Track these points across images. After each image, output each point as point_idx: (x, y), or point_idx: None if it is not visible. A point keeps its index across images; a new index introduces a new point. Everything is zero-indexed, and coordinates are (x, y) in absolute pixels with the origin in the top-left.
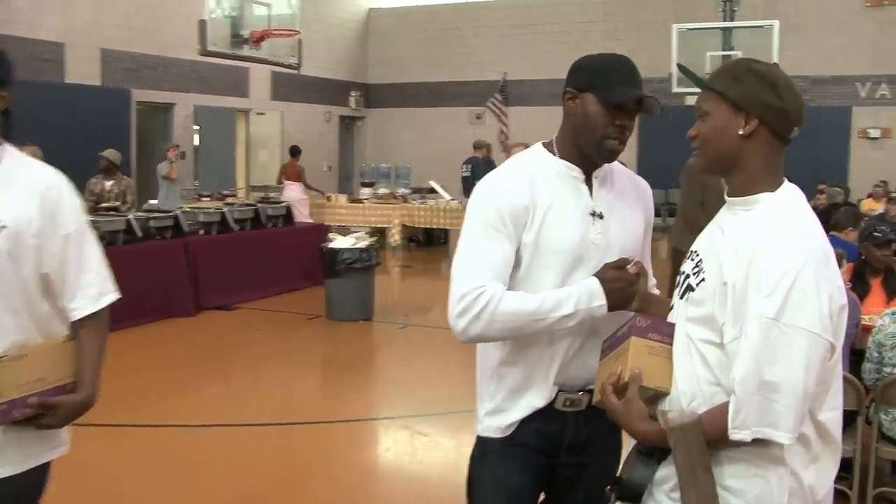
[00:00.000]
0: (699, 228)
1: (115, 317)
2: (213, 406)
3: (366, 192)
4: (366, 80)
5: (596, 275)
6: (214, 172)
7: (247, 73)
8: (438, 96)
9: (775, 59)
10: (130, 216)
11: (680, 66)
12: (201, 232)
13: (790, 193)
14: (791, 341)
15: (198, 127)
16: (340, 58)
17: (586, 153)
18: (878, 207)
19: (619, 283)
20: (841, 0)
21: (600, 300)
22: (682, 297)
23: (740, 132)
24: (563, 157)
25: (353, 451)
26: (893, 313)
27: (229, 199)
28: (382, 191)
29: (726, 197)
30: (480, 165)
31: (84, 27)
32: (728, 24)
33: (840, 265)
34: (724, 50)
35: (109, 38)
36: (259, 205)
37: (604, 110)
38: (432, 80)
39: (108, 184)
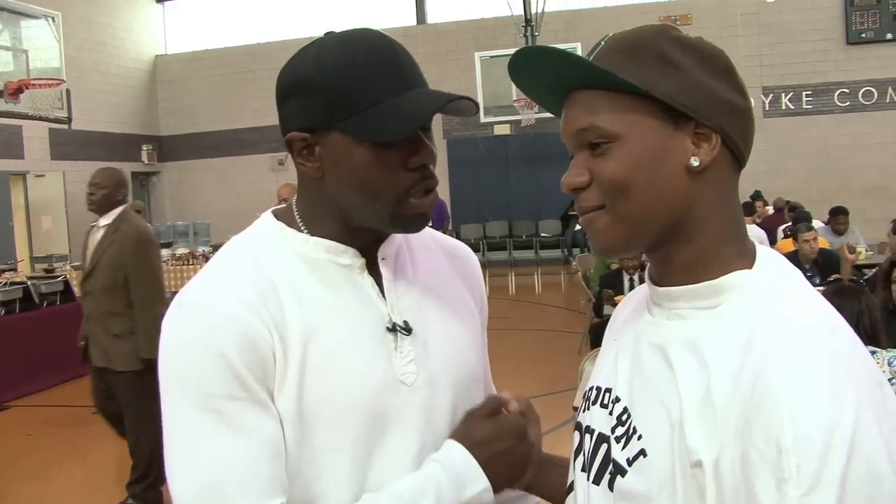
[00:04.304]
0: None
1: None
2: None
3: (163, 253)
4: (158, 133)
5: (458, 437)
6: None
7: (20, 132)
8: (237, 144)
9: None
10: None
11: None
12: None
13: (777, 266)
14: None
15: None
16: (128, 110)
17: (364, 226)
18: None
19: (503, 441)
20: (637, 22)
21: (478, 482)
22: (595, 481)
23: (693, 162)
24: (316, 232)
25: None
26: None
27: (7, 275)
28: (181, 251)
29: (651, 284)
30: None
31: None
32: None
33: None
34: None
35: None
36: (30, 282)
37: (381, 155)
38: (229, 128)
39: None
